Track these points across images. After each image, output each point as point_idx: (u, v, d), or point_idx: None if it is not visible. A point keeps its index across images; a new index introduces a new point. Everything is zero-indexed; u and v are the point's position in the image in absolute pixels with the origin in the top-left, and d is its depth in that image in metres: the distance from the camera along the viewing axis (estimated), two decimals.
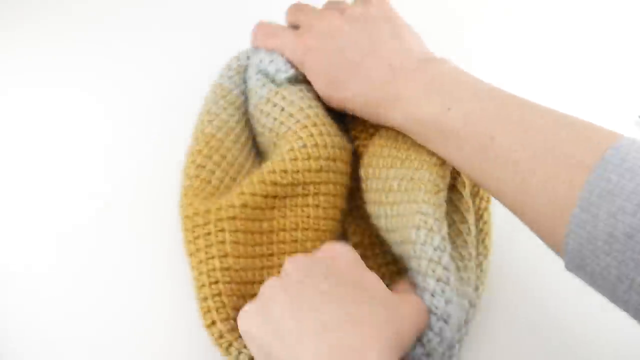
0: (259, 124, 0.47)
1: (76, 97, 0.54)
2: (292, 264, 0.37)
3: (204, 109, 0.48)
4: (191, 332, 0.42)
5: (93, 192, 0.49)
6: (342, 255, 0.38)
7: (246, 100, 0.49)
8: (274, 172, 0.42)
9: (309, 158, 0.42)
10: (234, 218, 0.41)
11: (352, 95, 0.43)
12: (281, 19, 0.50)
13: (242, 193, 0.42)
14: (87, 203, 0.48)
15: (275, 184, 0.42)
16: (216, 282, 0.40)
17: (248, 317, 0.36)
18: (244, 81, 0.49)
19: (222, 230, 0.41)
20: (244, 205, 0.42)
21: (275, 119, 0.45)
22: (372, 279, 0.36)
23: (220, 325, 0.39)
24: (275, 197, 0.43)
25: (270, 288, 0.36)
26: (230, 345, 0.39)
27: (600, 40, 0.59)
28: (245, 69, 0.49)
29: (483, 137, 0.36)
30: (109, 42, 0.57)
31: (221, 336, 0.39)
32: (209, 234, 0.41)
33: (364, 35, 0.44)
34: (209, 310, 0.40)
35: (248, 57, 0.50)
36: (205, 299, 0.40)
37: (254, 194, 0.42)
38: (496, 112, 0.37)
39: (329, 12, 0.47)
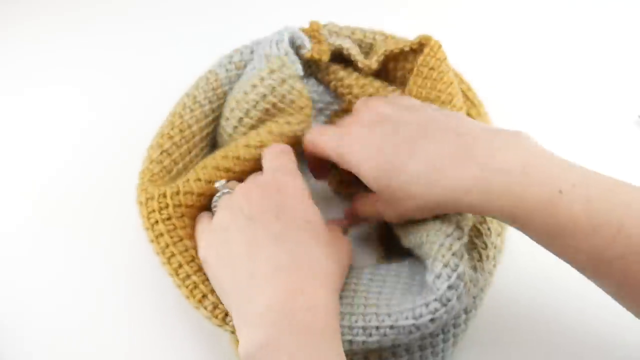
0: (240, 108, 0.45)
1: (66, 94, 0.54)
2: (244, 195, 0.39)
3: (191, 92, 0.47)
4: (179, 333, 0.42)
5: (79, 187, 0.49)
6: (288, 184, 0.39)
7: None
8: (226, 157, 0.43)
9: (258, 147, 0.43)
10: (191, 206, 0.41)
11: (412, 177, 0.37)
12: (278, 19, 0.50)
13: (198, 179, 0.42)
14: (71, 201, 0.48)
15: (228, 170, 0.42)
16: (192, 260, 0.40)
17: (208, 246, 0.39)
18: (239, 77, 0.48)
19: (182, 215, 0.41)
20: (201, 194, 0.42)
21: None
22: (315, 215, 0.38)
23: (211, 297, 0.38)
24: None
25: (225, 218, 0.38)
26: (226, 315, 0.38)
27: (600, 41, 0.59)
28: (246, 64, 0.48)
29: (609, 227, 0.31)
30: (99, 41, 0.57)
31: (215, 307, 0.38)
32: (169, 218, 0.41)
33: (417, 116, 0.39)
34: (195, 286, 0.39)
35: (251, 52, 0.48)
36: (187, 276, 0.39)
37: (209, 181, 0.42)
38: (619, 197, 0.32)
39: (375, 99, 0.43)
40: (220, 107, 0.47)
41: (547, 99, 0.55)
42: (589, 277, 0.34)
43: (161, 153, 0.44)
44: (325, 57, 0.47)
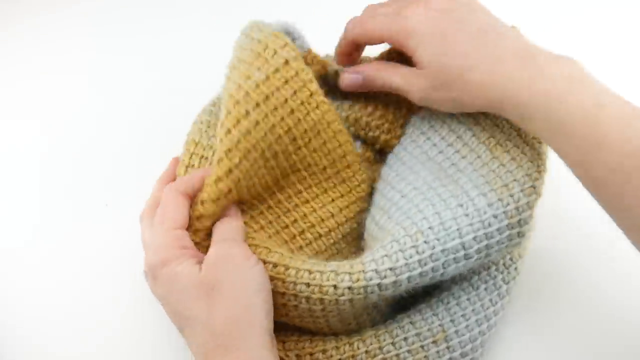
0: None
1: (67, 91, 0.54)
2: None
3: (203, 118, 0.45)
4: None
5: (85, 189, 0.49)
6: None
7: None
8: (220, 159, 0.38)
9: (238, 121, 0.38)
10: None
11: (472, 66, 0.38)
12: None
13: (203, 202, 0.38)
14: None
15: (230, 170, 0.38)
16: None
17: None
18: None
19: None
20: (212, 215, 0.39)
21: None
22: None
23: None
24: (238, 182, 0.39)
25: None
26: None
27: (600, 41, 0.59)
28: None
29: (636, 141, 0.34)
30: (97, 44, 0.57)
31: None
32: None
33: (477, 16, 0.41)
34: None
35: None
36: None
37: (217, 198, 0.38)
38: None
39: None
40: None
41: None
42: (604, 195, 0.36)
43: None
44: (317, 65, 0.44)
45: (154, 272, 0.37)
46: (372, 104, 0.45)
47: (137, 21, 0.60)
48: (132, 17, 0.60)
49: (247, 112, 0.38)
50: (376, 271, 0.36)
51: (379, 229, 0.41)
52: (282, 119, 0.39)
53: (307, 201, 0.43)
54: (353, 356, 0.39)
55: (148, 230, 0.39)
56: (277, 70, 0.39)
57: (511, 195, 0.38)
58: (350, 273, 0.36)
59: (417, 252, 0.36)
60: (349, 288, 0.36)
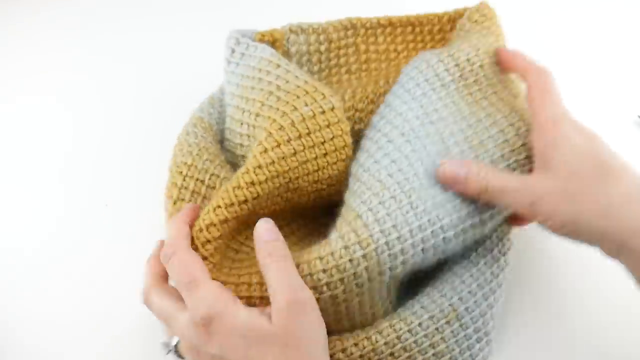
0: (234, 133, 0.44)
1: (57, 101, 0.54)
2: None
3: (183, 138, 0.45)
4: None
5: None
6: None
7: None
8: (247, 172, 0.39)
9: (278, 145, 0.39)
10: (220, 237, 0.39)
11: (616, 194, 0.36)
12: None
13: (219, 207, 0.39)
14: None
15: (252, 183, 0.39)
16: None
17: None
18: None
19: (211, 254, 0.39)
20: (224, 221, 0.39)
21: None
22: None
23: None
24: (255, 198, 0.39)
25: None
26: None
27: (600, 41, 0.59)
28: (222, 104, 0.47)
29: None
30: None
31: None
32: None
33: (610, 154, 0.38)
34: None
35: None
36: None
37: (231, 204, 0.39)
38: None
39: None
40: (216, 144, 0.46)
41: None
42: None
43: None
44: (278, 35, 0.47)
45: (208, 329, 0.33)
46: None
47: (139, 21, 0.60)
48: (133, 15, 0.60)
49: (289, 140, 0.40)
50: (381, 231, 0.37)
51: (365, 171, 0.41)
52: (316, 157, 0.41)
53: (295, 244, 0.44)
54: (373, 350, 0.39)
55: (167, 299, 0.36)
56: (324, 112, 0.41)
57: (486, 152, 0.40)
58: (359, 242, 0.36)
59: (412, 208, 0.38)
60: (363, 256, 0.36)
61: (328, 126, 0.41)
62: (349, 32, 0.50)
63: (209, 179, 0.42)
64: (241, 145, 0.44)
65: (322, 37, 0.49)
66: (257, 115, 0.42)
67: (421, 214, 0.38)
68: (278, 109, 0.41)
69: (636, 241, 0.35)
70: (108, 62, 0.57)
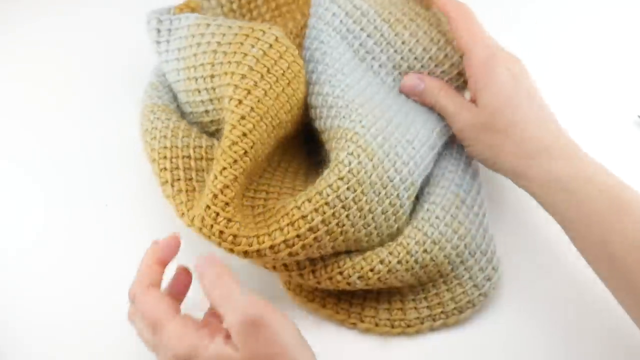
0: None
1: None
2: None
3: (146, 127, 0.45)
4: None
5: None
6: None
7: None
8: (233, 127, 0.41)
9: (248, 92, 0.41)
10: (235, 197, 0.40)
11: (521, 122, 0.43)
12: None
13: (224, 168, 0.40)
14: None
15: (244, 135, 0.41)
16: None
17: None
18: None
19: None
20: (234, 180, 0.40)
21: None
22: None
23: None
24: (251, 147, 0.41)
25: None
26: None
27: (600, 41, 0.59)
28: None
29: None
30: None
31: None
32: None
33: (535, 89, 0.46)
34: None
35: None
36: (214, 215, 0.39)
37: (234, 161, 0.40)
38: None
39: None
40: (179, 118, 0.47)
41: (546, 99, 0.55)
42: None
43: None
44: (194, 5, 0.48)
45: None
46: None
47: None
48: (133, 15, 0.60)
49: (255, 84, 0.41)
50: (378, 143, 0.41)
51: (336, 97, 0.43)
52: (283, 89, 0.42)
53: (301, 183, 0.46)
54: (408, 252, 0.41)
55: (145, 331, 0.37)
56: (271, 46, 0.42)
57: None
58: (365, 153, 0.41)
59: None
60: (373, 166, 0.41)
61: (280, 57, 0.43)
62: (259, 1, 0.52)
63: (194, 151, 0.44)
64: (206, 111, 0.45)
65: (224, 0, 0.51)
66: (212, 76, 0.44)
67: (399, 126, 0.43)
68: (230, 62, 0.42)
69: (542, 190, 0.41)
70: (108, 62, 0.57)
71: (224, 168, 0.40)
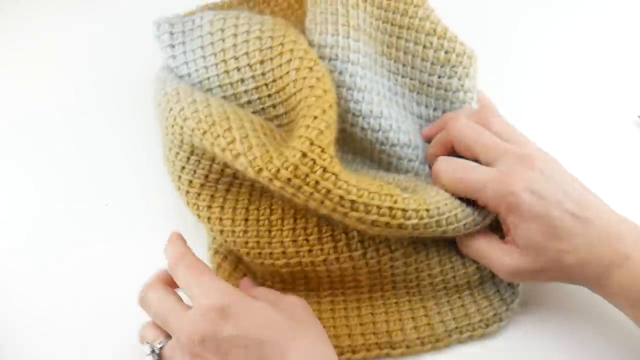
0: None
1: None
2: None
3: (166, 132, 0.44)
4: None
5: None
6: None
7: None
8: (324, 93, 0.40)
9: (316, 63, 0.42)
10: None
11: (570, 250, 0.38)
12: None
13: (315, 117, 0.39)
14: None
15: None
16: None
17: None
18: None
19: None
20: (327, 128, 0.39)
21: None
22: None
23: None
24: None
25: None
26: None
27: (600, 41, 0.59)
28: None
29: None
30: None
31: None
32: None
33: (571, 182, 0.40)
34: None
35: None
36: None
37: (323, 112, 0.40)
38: None
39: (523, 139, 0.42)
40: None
41: (546, 99, 0.55)
42: None
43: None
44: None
45: (225, 312, 0.34)
46: None
47: (143, 20, 0.60)
48: (135, 14, 0.60)
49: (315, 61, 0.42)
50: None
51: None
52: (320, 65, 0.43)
53: None
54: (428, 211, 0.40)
55: (164, 295, 0.38)
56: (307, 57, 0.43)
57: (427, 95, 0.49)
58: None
59: None
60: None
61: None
62: (251, 4, 0.53)
63: (248, 117, 0.42)
64: (249, 102, 0.44)
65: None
66: (262, 62, 0.42)
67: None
68: (284, 44, 0.42)
69: (628, 303, 0.38)
70: (108, 62, 0.57)
71: (315, 117, 0.38)
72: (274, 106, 0.44)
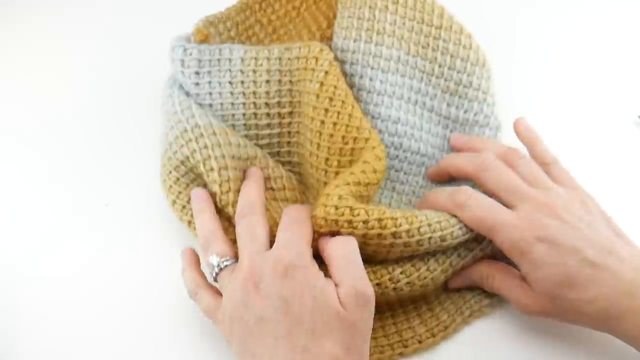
0: None
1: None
2: (259, 282, 0.36)
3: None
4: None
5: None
6: (303, 285, 0.36)
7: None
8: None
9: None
10: None
11: (590, 299, 0.37)
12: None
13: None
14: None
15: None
16: None
17: (221, 323, 0.38)
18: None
19: None
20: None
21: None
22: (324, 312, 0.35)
23: None
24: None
25: (237, 307, 0.36)
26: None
27: (600, 41, 0.59)
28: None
29: None
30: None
31: None
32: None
33: (598, 227, 0.39)
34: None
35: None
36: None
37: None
38: None
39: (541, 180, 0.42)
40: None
41: (546, 99, 0.55)
42: None
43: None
44: (204, 34, 0.48)
45: (286, 272, 0.35)
46: None
47: (144, 21, 0.60)
48: (137, 14, 0.60)
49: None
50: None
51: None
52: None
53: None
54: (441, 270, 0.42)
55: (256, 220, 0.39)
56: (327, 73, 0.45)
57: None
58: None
59: None
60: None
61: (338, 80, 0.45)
62: (247, 13, 0.53)
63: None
64: (269, 134, 0.48)
65: (228, 24, 0.52)
66: (291, 113, 0.47)
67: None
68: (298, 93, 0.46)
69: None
70: (110, 63, 0.57)
71: (363, 171, 0.41)
72: (289, 153, 0.48)
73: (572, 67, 0.57)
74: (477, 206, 0.41)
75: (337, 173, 0.43)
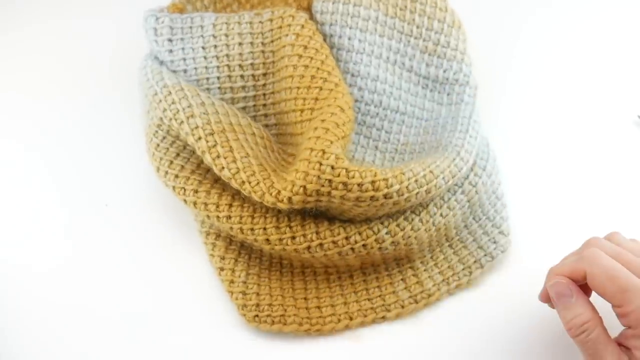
0: None
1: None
2: None
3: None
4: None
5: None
6: None
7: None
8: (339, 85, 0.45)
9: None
10: None
11: None
12: None
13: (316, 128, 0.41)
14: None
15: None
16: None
17: None
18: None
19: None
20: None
21: None
22: None
23: None
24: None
25: None
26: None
27: (600, 41, 0.59)
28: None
29: None
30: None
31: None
32: None
33: None
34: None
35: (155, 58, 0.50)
36: None
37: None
38: None
39: None
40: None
41: (546, 99, 0.55)
42: None
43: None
44: (181, 6, 0.50)
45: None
46: None
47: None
48: (138, 14, 0.60)
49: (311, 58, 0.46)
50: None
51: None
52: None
53: None
54: (420, 220, 0.43)
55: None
56: (303, 27, 0.48)
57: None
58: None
59: None
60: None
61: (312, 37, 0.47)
62: None
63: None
64: (245, 97, 0.49)
65: (206, 2, 0.53)
66: (265, 75, 0.48)
67: None
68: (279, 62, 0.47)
69: None
70: (108, 62, 0.57)
71: (327, 129, 0.41)
72: (265, 115, 0.49)
73: (572, 67, 0.57)
74: (612, 265, 0.37)
75: (311, 111, 0.44)
